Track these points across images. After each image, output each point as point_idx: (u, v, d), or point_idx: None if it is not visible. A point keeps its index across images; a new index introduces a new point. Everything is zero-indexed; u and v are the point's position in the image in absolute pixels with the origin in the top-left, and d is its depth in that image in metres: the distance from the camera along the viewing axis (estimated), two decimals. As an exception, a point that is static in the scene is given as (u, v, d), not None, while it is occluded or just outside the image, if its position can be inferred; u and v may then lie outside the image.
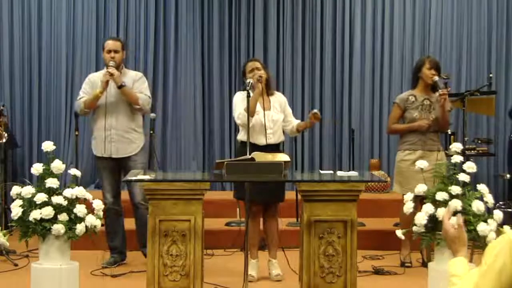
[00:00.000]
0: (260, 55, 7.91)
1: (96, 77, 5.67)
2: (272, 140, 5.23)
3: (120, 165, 5.53)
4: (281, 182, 5.09)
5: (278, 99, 5.39)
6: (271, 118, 5.25)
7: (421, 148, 5.67)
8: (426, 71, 5.66)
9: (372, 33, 8.15)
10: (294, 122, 5.39)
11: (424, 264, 5.50)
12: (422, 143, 5.67)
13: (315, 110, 5.12)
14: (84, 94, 5.61)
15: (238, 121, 5.22)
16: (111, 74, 5.42)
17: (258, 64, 5.31)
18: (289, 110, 5.43)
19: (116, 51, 5.56)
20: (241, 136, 5.24)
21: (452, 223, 2.27)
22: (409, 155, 5.68)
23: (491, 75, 7.57)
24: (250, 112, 5.03)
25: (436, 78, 5.62)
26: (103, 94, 5.47)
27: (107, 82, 5.44)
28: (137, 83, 5.64)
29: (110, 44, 5.61)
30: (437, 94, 5.68)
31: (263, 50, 8.08)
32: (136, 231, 5.68)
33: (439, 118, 5.65)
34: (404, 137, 5.76)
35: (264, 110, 5.22)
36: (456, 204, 4.32)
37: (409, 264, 5.71)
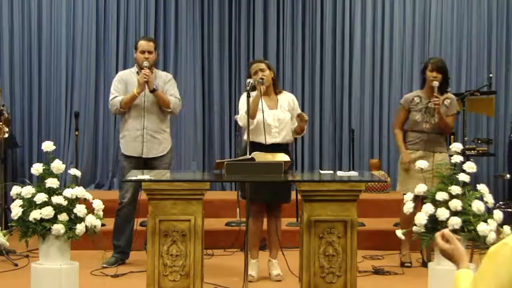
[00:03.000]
0: (260, 55, 7.91)
1: (127, 76, 5.67)
2: (277, 139, 5.22)
3: (146, 165, 5.51)
4: (282, 182, 5.09)
5: (286, 98, 5.39)
6: (277, 117, 5.25)
7: (422, 149, 5.66)
8: (428, 73, 5.64)
9: (372, 33, 8.16)
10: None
11: (424, 264, 5.50)
12: (423, 143, 5.66)
13: (299, 112, 5.16)
14: (117, 93, 5.61)
15: (239, 123, 5.24)
16: (147, 78, 5.43)
17: (262, 65, 5.30)
18: (297, 111, 5.41)
19: (149, 52, 5.57)
20: (246, 136, 5.26)
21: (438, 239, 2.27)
22: (410, 154, 5.68)
23: (491, 75, 7.57)
24: (250, 113, 5.03)
25: (436, 83, 5.58)
26: (140, 94, 5.48)
27: (145, 83, 5.45)
28: (167, 84, 5.66)
29: (143, 44, 5.60)
30: (444, 96, 5.69)
31: (263, 50, 8.09)
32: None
33: (438, 122, 5.64)
34: (407, 136, 5.76)
35: (269, 109, 5.23)
36: (457, 204, 4.32)
37: (409, 264, 5.71)
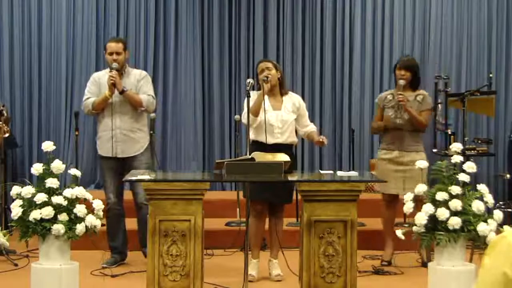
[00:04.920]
0: (260, 55, 7.91)
1: (101, 77, 5.68)
2: (280, 140, 5.23)
3: (124, 165, 5.52)
4: (284, 182, 5.10)
5: (292, 100, 5.40)
6: (280, 118, 5.26)
7: (398, 149, 5.71)
8: (397, 71, 5.81)
9: (372, 33, 8.15)
10: (309, 128, 5.40)
11: (424, 264, 5.51)
12: (399, 143, 5.72)
13: (322, 139, 5.20)
14: (90, 94, 5.64)
15: (243, 121, 5.27)
16: (114, 81, 5.43)
17: (268, 65, 5.32)
18: (304, 112, 5.42)
19: (118, 53, 5.57)
20: (251, 135, 5.29)
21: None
22: (386, 155, 5.74)
23: (491, 75, 7.57)
24: (254, 111, 5.06)
25: (402, 81, 5.69)
26: (111, 96, 5.49)
27: (113, 85, 5.45)
28: (141, 82, 5.66)
29: (112, 46, 5.60)
30: (416, 92, 5.80)
31: (263, 50, 8.08)
32: (138, 231, 5.69)
33: (411, 119, 5.70)
34: (383, 136, 5.84)
35: (273, 110, 5.25)
36: (457, 204, 4.33)
37: (385, 263, 5.71)
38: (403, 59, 5.96)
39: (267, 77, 5.17)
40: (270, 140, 5.16)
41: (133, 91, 5.59)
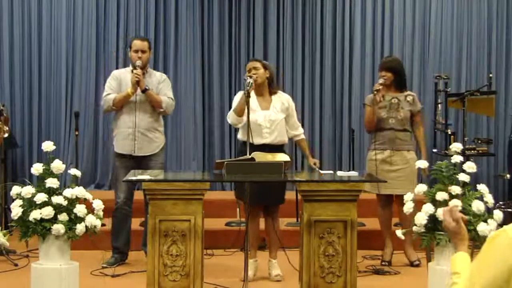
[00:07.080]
0: (260, 54, 7.91)
1: (121, 74, 5.70)
2: (267, 140, 5.22)
3: (139, 165, 5.50)
4: (280, 182, 5.10)
5: (281, 99, 5.39)
6: (268, 118, 5.25)
7: (389, 148, 5.74)
8: (379, 73, 5.90)
9: (372, 33, 8.15)
10: (298, 133, 5.41)
11: (412, 264, 5.70)
12: (391, 143, 5.74)
13: (314, 166, 5.31)
14: (110, 90, 5.64)
15: (228, 120, 5.32)
16: (138, 78, 5.44)
17: (256, 64, 5.31)
18: (292, 113, 5.41)
19: (143, 51, 5.60)
20: (240, 135, 5.31)
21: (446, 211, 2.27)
22: (378, 155, 5.73)
23: (491, 75, 7.57)
24: (238, 112, 5.06)
25: (381, 80, 5.73)
26: (134, 94, 5.50)
27: (138, 83, 5.46)
28: (162, 84, 5.69)
29: (137, 44, 5.63)
30: (405, 93, 5.83)
31: (263, 50, 8.08)
32: (144, 229, 5.67)
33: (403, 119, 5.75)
34: (374, 137, 5.84)
35: (262, 109, 5.24)
36: (457, 203, 4.33)
37: (385, 263, 5.74)
38: (384, 60, 6.02)
39: (251, 76, 5.17)
40: (258, 141, 5.15)
41: (154, 91, 5.61)
